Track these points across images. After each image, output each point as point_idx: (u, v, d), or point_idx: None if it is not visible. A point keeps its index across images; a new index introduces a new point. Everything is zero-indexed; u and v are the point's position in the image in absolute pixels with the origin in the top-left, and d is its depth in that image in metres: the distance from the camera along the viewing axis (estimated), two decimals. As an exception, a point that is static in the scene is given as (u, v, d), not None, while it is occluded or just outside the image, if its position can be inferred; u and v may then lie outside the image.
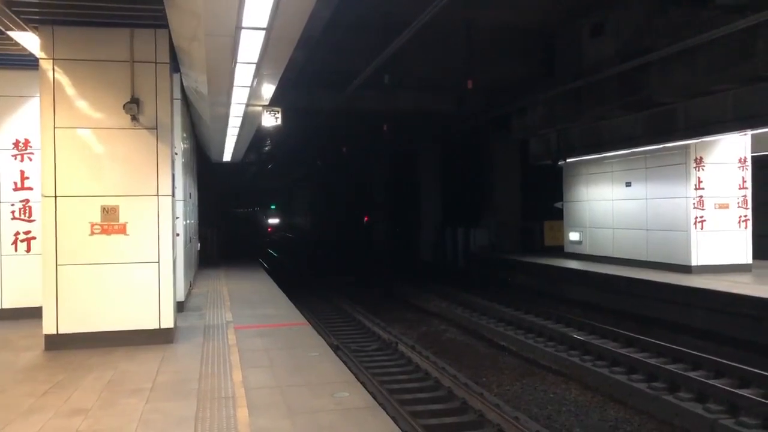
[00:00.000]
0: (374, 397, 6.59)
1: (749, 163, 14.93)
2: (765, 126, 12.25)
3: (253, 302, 12.46)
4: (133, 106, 8.06)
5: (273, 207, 65.30)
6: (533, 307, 14.79)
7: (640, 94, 12.86)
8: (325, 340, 9.40)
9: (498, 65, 16.20)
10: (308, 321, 10.77)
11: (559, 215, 20.57)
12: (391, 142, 25.42)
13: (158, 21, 7.87)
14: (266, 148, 28.09)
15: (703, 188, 14.63)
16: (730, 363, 9.25)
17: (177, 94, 10.19)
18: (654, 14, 12.21)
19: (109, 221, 8.13)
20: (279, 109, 10.46)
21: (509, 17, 13.72)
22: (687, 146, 14.50)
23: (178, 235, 10.12)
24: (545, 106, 16.94)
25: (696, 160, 14.61)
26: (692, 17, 11.29)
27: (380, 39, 12.09)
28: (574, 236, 19.39)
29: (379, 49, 11.86)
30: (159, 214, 8.32)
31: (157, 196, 8.32)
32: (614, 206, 17.43)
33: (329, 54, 14.55)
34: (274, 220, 64.34)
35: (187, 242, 12.82)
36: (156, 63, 8.31)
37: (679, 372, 9.11)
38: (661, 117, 14.28)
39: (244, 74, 8.43)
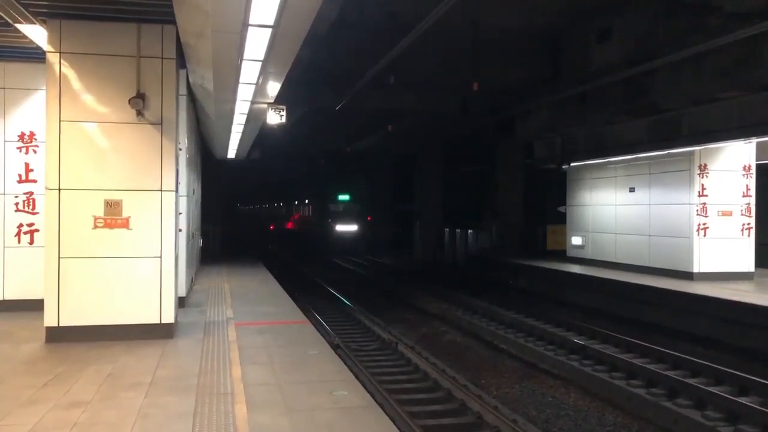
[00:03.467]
0: (373, 397, 6.60)
1: (753, 171, 14.92)
2: (770, 134, 12.24)
3: (254, 300, 12.48)
4: (139, 101, 8.08)
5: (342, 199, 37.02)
6: (534, 310, 14.78)
7: (645, 99, 12.87)
8: (325, 338, 9.41)
9: (503, 68, 16.18)
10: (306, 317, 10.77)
11: (562, 219, 20.56)
12: (395, 142, 25.42)
13: (165, 17, 7.89)
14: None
15: (706, 195, 14.62)
16: (729, 370, 9.23)
17: (183, 90, 10.21)
18: (661, 20, 12.21)
19: (113, 215, 8.15)
20: (284, 107, 10.49)
21: (515, 20, 13.74)
22: (691, 153, 14.49)
23: (180, 230, 10.14)
24: (550, 110, 16.95)
25: (700, 167, 14.60)
26: (699, 24, 11.29)
27: (386, 39, 12.11)
28: (576, 240, 19.38)
29: (384, 50, 11.88)
30: (162, 209, 8.34)
31: (161, 191, 8.34)
32: (617, 211, 17.42)
33: (335, 53, 14.57)
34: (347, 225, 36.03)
35: (190, 238, 12.84)
36: (162, 58, 8.33)
37: (679, 378, 9.10)
38: (665, 123, 14.28)
39: (250, 71, 8.45)
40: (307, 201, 46.01)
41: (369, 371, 9.68)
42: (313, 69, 14.93)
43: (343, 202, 36.89)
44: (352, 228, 35.04)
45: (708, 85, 12.02)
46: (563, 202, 20.37)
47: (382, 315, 14.83)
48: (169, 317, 8.39)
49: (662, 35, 12.06)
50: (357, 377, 7.53)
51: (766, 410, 7.65)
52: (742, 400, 8.12)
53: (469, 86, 14.27)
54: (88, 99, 8.13)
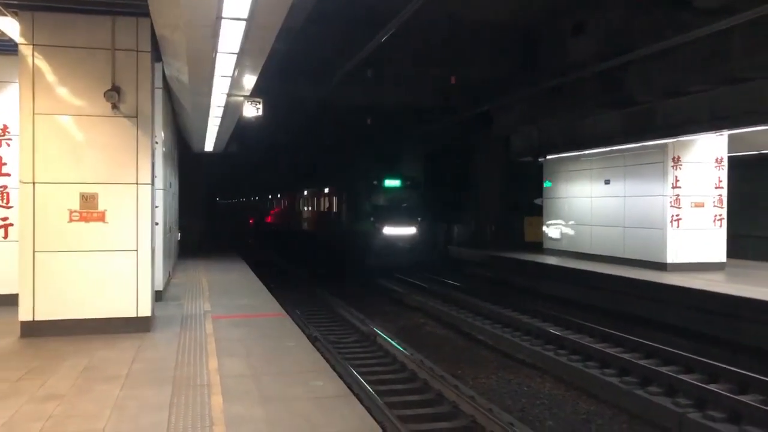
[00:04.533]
0: (350, 388, 6.67)
1: (725, 163, 15.17)
2: (739, 127, 12.45)
3: (231, 293, 12.48)
4: (114, 94, 8.05)
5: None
6: (510, 301, 14.94)
7: (620, 92, 13.04)
8: (303, 331, 9.45)
9: (481, 62, 16.27)
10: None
11: (540, 211, 20.76)
12: (374, 135, 25.40)
13: (140, 9, 7.85)
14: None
15: (679, 187, 14.85)
16: (700, 359, 9.43)
17: (159, 83, 10.15)
18: (634, 14, 12.35)
19: (88, 209, 8.12)
20: (260, 100, 10.48)
21: (492, 14, 13.82)
22: (665, 145, 14.70)
23: (157, 224, 10.12)
24: (527, 103, 17.10)
25: (674, 159, 14.82)
26: (672, 18, 11.45)
27: (363, 33, 12.13)
28: (552, 232, 19.58)
29: (362, 43, 11.90)
30: (138, 202, 8.32)
31: (137, 184, 8.31)
32: (593, 203, 17.63)
33: (312, 47, 14.54)
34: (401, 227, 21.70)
35: (167, 231, 12.79)
36: (137, 51, 8.29)
37: (651, 367, 9.28)
38: (639, 116, 14.47)
39: (225, 64, 8.44)
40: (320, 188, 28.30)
41: (348, 362, 9.76)
42: (290, 62, 14.89)
43: (396, 190, 22.34)
44: (409, 231, 21.36)
45: (680, 79, 12.21)
46: (541, 195, 20.57)
47: (362, 309, 14.90)
48: (146, 311, 8.38)
49: (635, 29, 12.21)
50: (334, 368, 7.59)
51: (734, 396, 7.86)
52: (712, 387, 8.32)
53: (447, 80, 14.37)
54: (63, 92, 8.07)
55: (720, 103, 12.53)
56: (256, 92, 11.20)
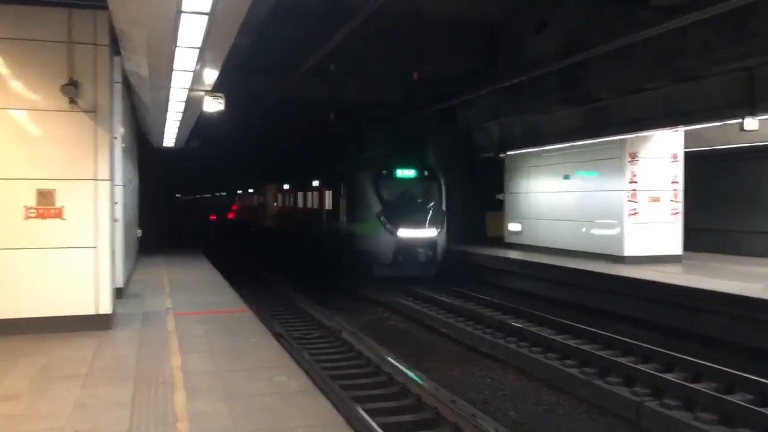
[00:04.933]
0: (315, 383, 6.69)
1: (681, 158, 15.55)
2: (693, 123, 12.79)
3: (193, 290, 12.36)
4: (71, 89, 7.89)
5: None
6: (472, 295, 15.10)
7: (579, 89, 13.28)
8: (267, 327, 9.42)
9: (444, 57, 16.39)
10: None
11: (501, 206, 20.97)
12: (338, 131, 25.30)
13: (98, 2, 7.71)
14: None
15: (636, 182, 15.17)
16: (657, 349, 9.68)
17: (118, 77, 9.99)
18: (594, 12, 12.58)
19: (45, 205, 7.96)
20: (222, 95, 10.37)
21: (456, 10, 13.93)
22: (623, 141, 15.00)
23: (117, 220, 9.96)
24: (489, 99, 17.29)
25: (631, 154, 15.13)
26: (630, 16, 11.69)
27: (327, 28, 12.11)
28: (514, 227, 19.83)
29: (325, 38, 11.88)
30: (97, 198, 8.18)
31: (96, 180, 8.18)
32: (553, 198, 17.90)
33: (275, 41, 14.47)
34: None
35: (127, 228, 12.59)
36: (96, 45, 8.15)
37: (610, 358, 9.49)
38: (597, 112, 14.75)
39: (186, 58, 8.31)
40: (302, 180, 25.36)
41: (312, 358, 9.76)
42: (252, 57, 14.79)
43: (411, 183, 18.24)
44: (430, 234, 17.34)
45: (637, 76, 12.50)
46: (503, 190, 20.77)
47: (327, 305, 14.90)
48: (106, 308, 8.25)
49: (594, 27, 12.44)
50: (298, 363, 7.59)
51: (689, 385, 8.10)
52: (668, 376, 8.55)
53: (410, 76, 14.42)
54: (17, 86, 7.89)
55: (675, 101, 12.85)
56: (218, 87, 11.09)
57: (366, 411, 7.18)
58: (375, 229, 17.03)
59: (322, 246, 20.82)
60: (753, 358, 9.42)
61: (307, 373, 7.32)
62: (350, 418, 6.39)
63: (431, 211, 17.46)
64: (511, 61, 15.19)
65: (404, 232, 16.81)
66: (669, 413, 7.46)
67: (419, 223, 17.08)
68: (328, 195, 20.67)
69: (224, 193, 57.21)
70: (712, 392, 7.79)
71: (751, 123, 11.12)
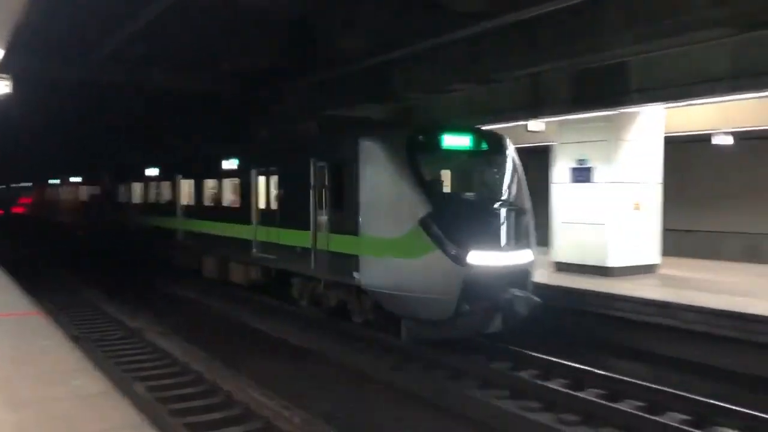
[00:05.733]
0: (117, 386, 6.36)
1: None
2: (488, 124, 13.85)
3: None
4: None
5: None
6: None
7: (386, 88, 13.79)
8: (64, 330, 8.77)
9: (258, 49, 16.13)
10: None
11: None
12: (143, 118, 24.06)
13: None
14: None
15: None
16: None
17: None
18: (398, 14, 13.12)
19: None
20: (8, 76, 9.43)
21: (269, 2, 13.75)
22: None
23: None
24: (303, 94, 17.37)
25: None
26: (434, 20, 12.35)
27: (130, 10, 11.45)
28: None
29: (127, 21, 11.25)
30: None
31: None
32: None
33: (73, 20, 13.36)
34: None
35: None
36: None
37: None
38: (404, 112, 15.45)
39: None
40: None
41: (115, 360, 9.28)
42: (46, 37, 13.55)
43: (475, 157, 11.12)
44: (525, 259, 9.95)
45: (440, 77, 13.25)
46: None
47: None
48: None
49: (399, 30, 12.96)
50: (97, 366, 7.17)
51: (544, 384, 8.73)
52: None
53: (221, 65, 14.04)
54: None
55: (474, 102, 13.84)
56: (5, 68, 10.09)
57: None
58: (412, 251, 9.49)
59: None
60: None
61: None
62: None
63: (519, 215, 10.22)
64: (325, 55, 15.36)
65: (480, 257, 9.37)
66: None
67: (507, 240, 9.88)
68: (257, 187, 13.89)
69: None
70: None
71: (534, 125, 12.23)
